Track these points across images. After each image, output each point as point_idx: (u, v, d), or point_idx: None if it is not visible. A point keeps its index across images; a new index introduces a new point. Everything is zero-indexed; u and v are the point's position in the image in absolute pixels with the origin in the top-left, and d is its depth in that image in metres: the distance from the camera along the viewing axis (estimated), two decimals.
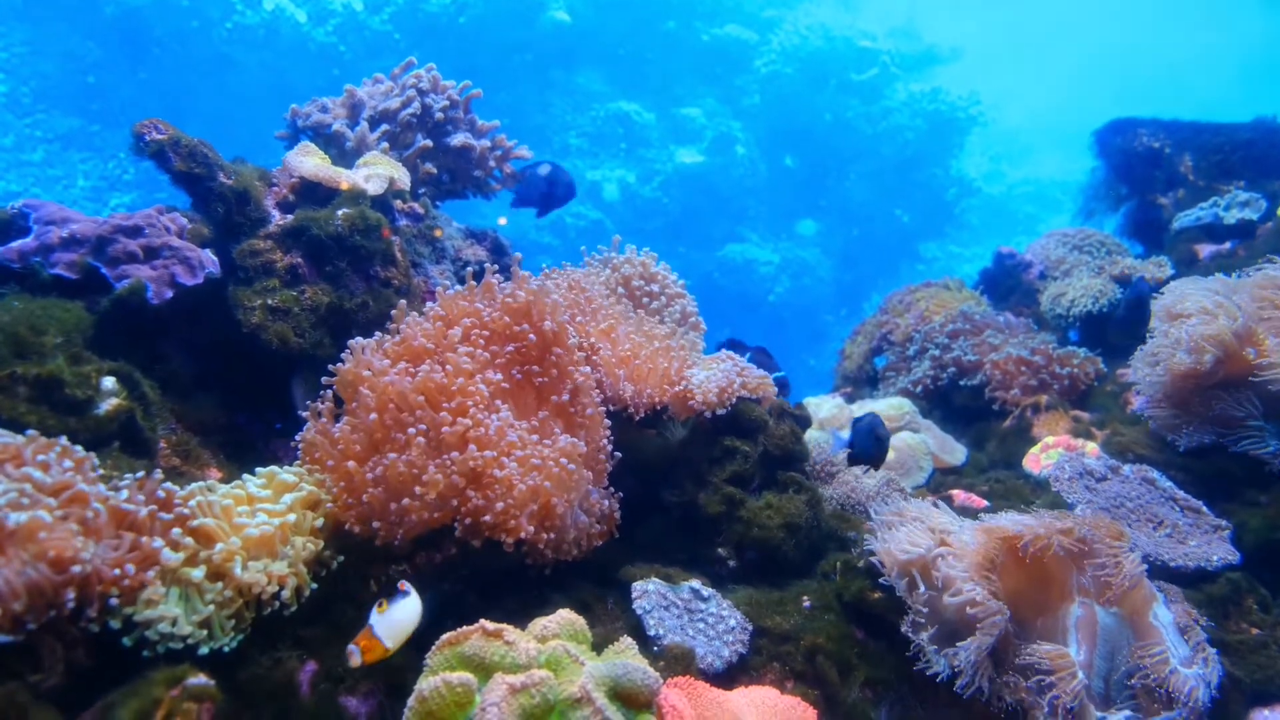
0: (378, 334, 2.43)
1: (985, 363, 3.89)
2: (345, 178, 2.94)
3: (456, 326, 2.38)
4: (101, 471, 1.85)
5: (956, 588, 2.01)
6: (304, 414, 2.32)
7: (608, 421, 2.53)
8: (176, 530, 1.83)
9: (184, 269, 2.54)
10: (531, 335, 2.42)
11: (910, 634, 2.12)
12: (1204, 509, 2.72)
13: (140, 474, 1.91)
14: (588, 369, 2.52)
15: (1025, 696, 1.92)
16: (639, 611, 2.16)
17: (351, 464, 2.12)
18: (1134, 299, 3.27)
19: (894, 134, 16.07)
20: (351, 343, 2.36)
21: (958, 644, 1.97)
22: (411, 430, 2.12)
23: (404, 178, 3.17)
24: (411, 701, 1.57)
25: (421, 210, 3.28)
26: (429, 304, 2.62)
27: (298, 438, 2.31)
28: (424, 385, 2.18)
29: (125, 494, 1.82)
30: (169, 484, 1.93)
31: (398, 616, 1.79)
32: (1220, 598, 2.41)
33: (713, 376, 2.71)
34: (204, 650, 1.76)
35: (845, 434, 2.90)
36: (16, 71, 12.83)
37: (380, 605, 1.78)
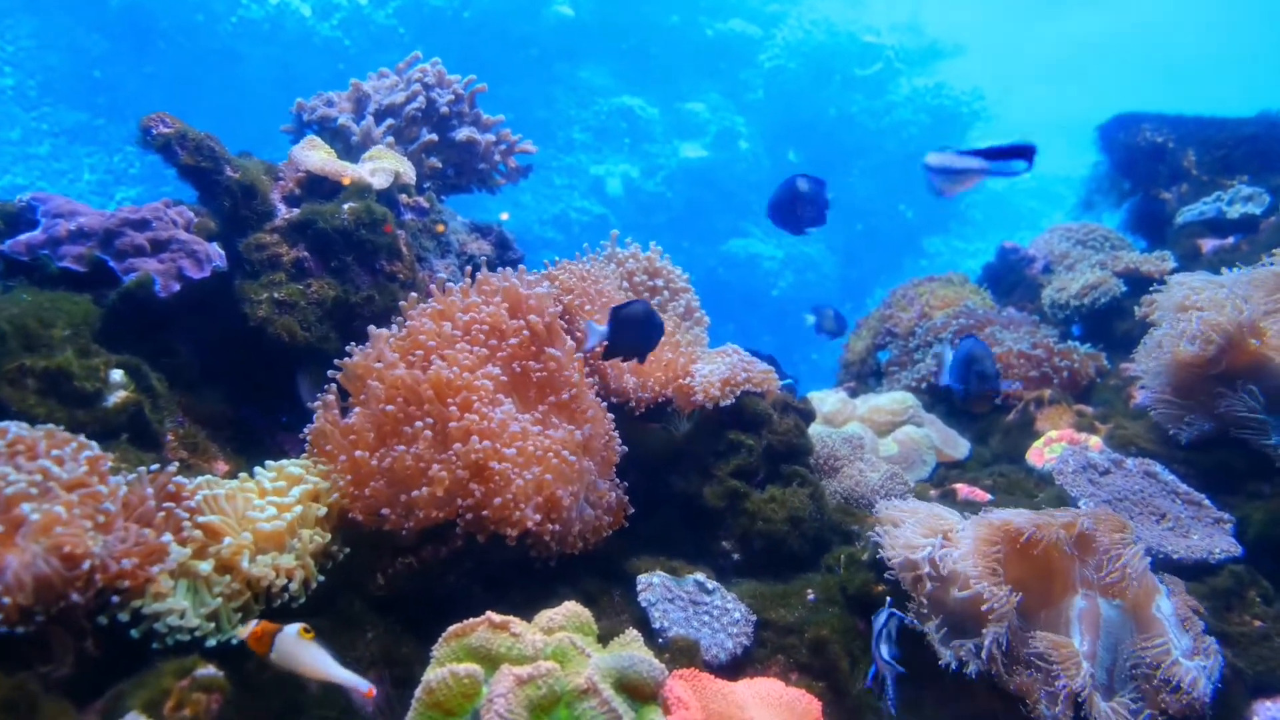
0: (393, 326, 2.44)
1: None
2: (351, 172, 2.95)
3: (453, 322, 2.38)
4: (111, 465, 1.86)
5: (964, 583, 2.02)
6: (312, 405, 2.33)
7: (611, 415, 2.54)
8: (186, 524, 1.85)
9: (191, 262, 2.55)
10: (526, 330, 2.42)
11: (916, 626, 2.13)
12: (1206, 502, 2.73)
13: (155, 467, 1.92)
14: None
15: (1031, 686, 1.93)
16: (644, 604, 2.17)
17: (360, 453, 2.13)
18: (963, 356, 3.16)
19: (898, 129, 16.04)
20: (372, 330, 2.36)
21: (970, 639, 1.98)
22: (419, 424, 2.13)
23: (409, 172, 3.17)
24: (419, 692, 1.57)
25: (426, 204, 3.29)
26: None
27: (305, 430, 2.32)
28: (432, 379, 2.19)
29: (136, 488, 1.84)
30: (180, 478, 1.94)
31: (306, 653, 1.63)
32: (1223, 590, 2.42)
33: (716, 370, 2.72)
34: (211, 642, 1.78)
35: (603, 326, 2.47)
36: (23, 65, 12.86)
37: (308, 630, 1.64)
